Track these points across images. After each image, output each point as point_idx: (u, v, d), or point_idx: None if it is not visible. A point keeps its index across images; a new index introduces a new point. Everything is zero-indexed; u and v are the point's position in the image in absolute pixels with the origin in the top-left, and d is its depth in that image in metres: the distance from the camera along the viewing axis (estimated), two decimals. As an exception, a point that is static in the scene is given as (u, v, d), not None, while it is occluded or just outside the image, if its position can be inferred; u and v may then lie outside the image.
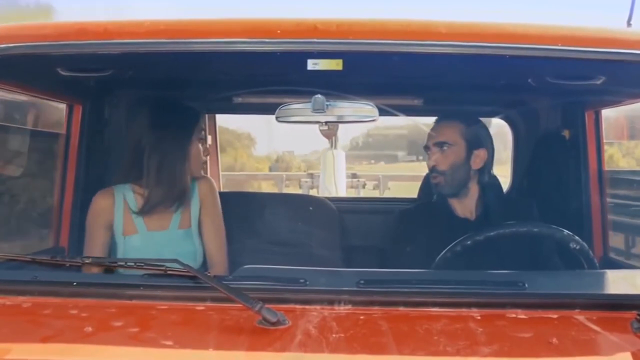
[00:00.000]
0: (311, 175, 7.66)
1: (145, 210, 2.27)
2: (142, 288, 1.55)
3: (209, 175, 3.61)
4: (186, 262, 1.56)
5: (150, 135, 2.28)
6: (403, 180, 8.41)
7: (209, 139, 3.99)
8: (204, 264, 2.32)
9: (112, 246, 2.30)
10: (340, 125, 3.27)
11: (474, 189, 2.39)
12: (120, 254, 2.27)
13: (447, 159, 2.36)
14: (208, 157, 3.53)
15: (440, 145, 2.37)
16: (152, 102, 2.52)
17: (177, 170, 2.27)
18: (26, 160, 2.57)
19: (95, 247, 2.27)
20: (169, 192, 2.26)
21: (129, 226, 2.28)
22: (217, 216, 2.39)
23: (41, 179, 2.65)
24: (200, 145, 2.34)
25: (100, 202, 2.31)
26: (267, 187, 8.81)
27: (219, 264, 2.31)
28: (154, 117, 2.33)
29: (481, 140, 2.42)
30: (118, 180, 2.34)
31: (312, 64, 1.73)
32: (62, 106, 2.66)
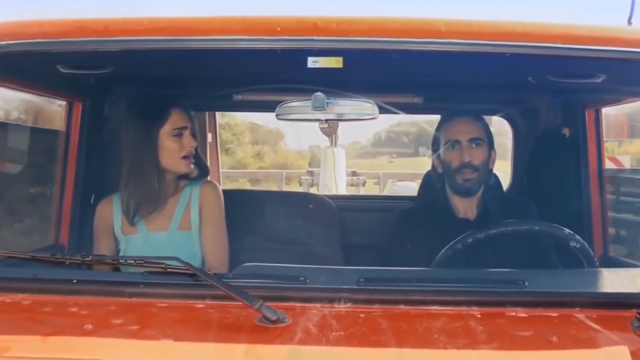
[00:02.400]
0: (311, 173, 7.65)
1: (129, 213, 2.26)
2: (142, 286, 1.55)
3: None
4: None
5: (123, 133, 2.29)
6: (403, 178, 8.41)
7: (209, 136, 3.99)
8: (204, 267, 2.30)
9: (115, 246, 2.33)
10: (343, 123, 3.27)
11: (481, 188, 2.40)
12: (121, 253, 2.29)
13: (480, 156, 2.34)
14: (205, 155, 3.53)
15: (475, 141, 2.34)
16: (128, 100, 2.51)
17: (144, 168, 2.24)
18: (26, 158, 2.57)
19: (100, 251, 2.30)
20: (145, 192, 2.24)
21: (129, 227, 2.30)
22: (218, 222, 2.34)
23: (41, 176, 2.65)
24: (175, 140, 2.26)
25: (100, 209, 2.36)
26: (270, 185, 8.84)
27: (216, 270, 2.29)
28: (125, 115, 2.33)
29: (493, 141, 2.43)
30: (117, 184, 2.35)
31: (312, 62, 1.73)
32: (62, 103, 2.66)
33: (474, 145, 2.34)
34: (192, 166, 2.32)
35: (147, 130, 2.25)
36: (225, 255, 2.33)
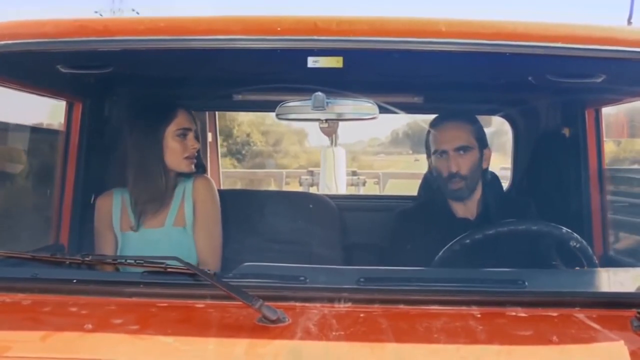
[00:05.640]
0: (311, 173, 7.64)
1: (137, 213, 2.28)
2: (142, 285, 1.55)
3: (208, 172, 3.62)
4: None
5: (127, 134, 2.31)
6: (403, 177, 8.41)
7: (209, 136, 3.99)
8: (198, 263, 2.30)
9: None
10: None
11: (478, 189, 2.39)
12: (118, 250, 2.30)
13: (468, 163, 2.32)
14: (204, 155, 3.52)
15: (461, 149, 2.32)
16: (128, 100, 2.52)
17: (151, 167, 2.26)
18: (26, 158, 2.57)
19: (101, 246, 2.31)
20: (153, 191, 2.27)
21: (126, 223, 2.31)
22: (212, 217, 2.34)
23: (41, 177, 2.65)
24: (179, 140, 2.29)
25: (100, 204, 2.37)
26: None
27: (209, 266, 2.28)
28: (129, 115, 2.36)
29: (485, 138, 2.41)
30: (117, 183, 2.37)
31: (312, 62, 1.74)
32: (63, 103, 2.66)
33: (461, 152, 2.32)
34: (193, 166, 2.35)
35: (153, 130, 2.28)
36: (218, 252, 2.33)
